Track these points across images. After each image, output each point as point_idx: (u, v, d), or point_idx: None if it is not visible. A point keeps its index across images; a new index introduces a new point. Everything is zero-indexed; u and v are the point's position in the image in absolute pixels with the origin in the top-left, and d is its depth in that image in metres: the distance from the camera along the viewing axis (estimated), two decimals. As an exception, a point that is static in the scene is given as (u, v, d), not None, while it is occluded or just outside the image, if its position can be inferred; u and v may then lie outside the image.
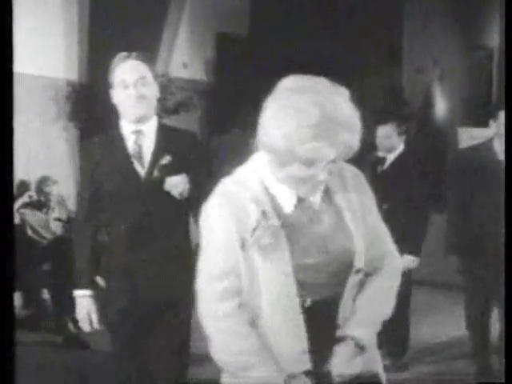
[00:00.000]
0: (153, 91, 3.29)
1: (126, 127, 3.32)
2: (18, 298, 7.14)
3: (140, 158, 3.28)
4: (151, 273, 3.26)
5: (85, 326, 3.36)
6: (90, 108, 8.43)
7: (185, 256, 3.26)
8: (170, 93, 9.22)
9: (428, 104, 10.54)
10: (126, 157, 3.28)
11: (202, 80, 10.58)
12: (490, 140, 4.96)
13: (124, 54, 3.31)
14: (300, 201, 2.20)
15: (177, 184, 3.24)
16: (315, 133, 2.05)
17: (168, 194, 3.24)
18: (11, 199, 1.87)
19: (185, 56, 10.18)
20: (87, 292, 3.33)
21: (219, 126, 10.73)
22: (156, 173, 3.24)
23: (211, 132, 10.84)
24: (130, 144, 3.29)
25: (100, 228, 3.38)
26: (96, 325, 3.34)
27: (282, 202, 2.20)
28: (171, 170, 3.24)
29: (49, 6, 8.44)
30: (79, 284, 3.34)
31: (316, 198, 2.21)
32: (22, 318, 6.79)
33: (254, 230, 2.12)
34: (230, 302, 2.13)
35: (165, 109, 9.31)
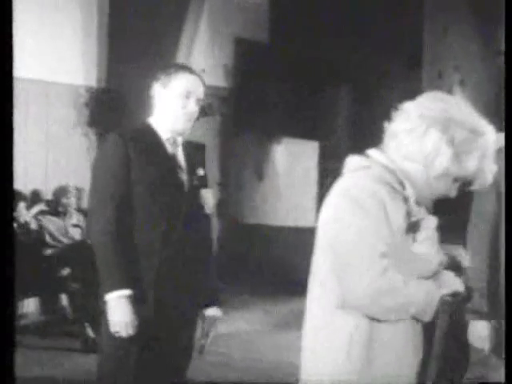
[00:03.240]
0: (198, 111, 3.27)
1: (163, 133, 3.23)
2: (35, 304, 7.18)
3: (179, 165, 3.22)
4: (181, 287, 3.15)
5: (123, 332, 3.05)
6: (109, 113, 8.46)
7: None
8: (189, 99, 9.23)
9: (448, 109, 10.47)
10: (169, 161, 3.21)
11: (220, 86, 10.59)
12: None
13: (187, 65, 3.34)
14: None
15: (209, 198, 3.23)
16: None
17: (202, 206, 3.22)
18: (11, 203, 1.87)
19: (203, 62, 10.19)
20: (125, 292, 3.04)
21: (238, 131, 10.74)
22: (196, 182, 3.22)
23: (231, 137, 10.85)
24: (169, 149, 3.22)
25: (132, 231, 3.15)
26: (134, 328, 3.06)
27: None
28: (204, 182, 3.24)
29: (67, 15, 8.48)
30: (113, 283, 3.05)
31: None
32: (40, 324, 6.81)
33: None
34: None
35: (184, 115, 9.33)
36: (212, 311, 3.31)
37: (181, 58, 9.31)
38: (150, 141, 3.20)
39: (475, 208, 3.99)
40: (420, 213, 2.23)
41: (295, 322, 8.06)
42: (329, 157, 10.26)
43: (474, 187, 2.25)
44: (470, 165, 2.16)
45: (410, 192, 2.21)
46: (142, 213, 3.13)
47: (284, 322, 7.95)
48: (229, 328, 7.85)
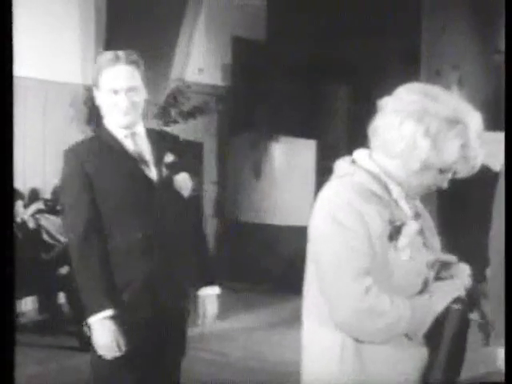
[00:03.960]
0: (142, 96, 3.14)
1: (117, 131, 3.13)
2: (33, 302, 7.18)
3: (143, 160, 3.12)
4: (171, 284, 3.08)
5: (110, 353, 2.97)
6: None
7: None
8: (186, 98, 9.25)
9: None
10: (131, 161, 3.10)
11: (218, 84, 10.59)
12: None
13: (111, 55, 3.11)
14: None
15: (185, 182, 3.14)
16: None
17: (178, 194, 3.13)
18: (11, 202, 1.87)
19: (201, 61, 10.19)
20: (108, 312, 2.95)
21: (236, 130, 10.74)
22: (165, 172, 3.11)
23: (228, 136, 10.85)
24: (130, 147, 3.12)
25: (107, 240, 3.03)
26: (123, 348, 2.96)
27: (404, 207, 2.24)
28: (176, 168, 3.13)
29: (65, 14, 8.48)
30: (96, 306, 2.95)
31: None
32: (38, 322, 6.81)
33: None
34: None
35: (181, 114, 9.34)
36: (207, 290, 3.26)
37: (179, 58, 9.31)
38: (107, 146, 3.11)
39: (496, 209, 3.83)
40: (406, 216, 2.18)
41: (294, 320, 8.07)
42: (326, 155, 10.25)
43: (462, 175, 2.21)
44: (451, 154, 2.12)
45: (397, 195, 2.18)
46: (115, 226, 3.03)
47: (283, 321, 7.95)
48: (228, 326, 7.85)
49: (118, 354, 2.95)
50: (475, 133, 2.14)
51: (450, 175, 2.19)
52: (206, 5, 9.96)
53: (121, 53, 3.09)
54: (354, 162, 2.25)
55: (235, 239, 10.83)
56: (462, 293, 2.18)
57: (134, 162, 3.10)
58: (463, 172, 2.19)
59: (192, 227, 3.23)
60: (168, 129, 9.34)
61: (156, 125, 9.01)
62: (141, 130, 3.15)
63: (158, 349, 3.07)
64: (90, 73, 8.74)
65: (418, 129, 2.11)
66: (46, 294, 6.99)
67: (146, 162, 3.11)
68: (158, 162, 3.12)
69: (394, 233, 2.14)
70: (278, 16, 10.92)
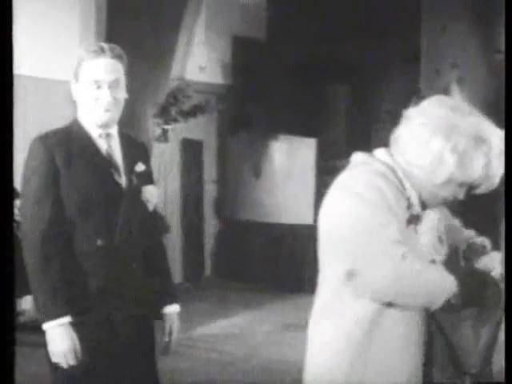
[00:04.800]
0: (123, 93, 2.94)
1: (92, 129, 2.92)
2: (29, 301, 7.16)
3: (114, 164, 2.91)
4: (129, 302, 2.87)
5: (67, 361, 2.78)
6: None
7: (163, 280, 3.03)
8: (187, 96, 9.24)
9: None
10: (103, 163, 2.89)
11: (218, 83, 10.58)
12: None
13: (95, 47, 2.94)
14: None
15: (153, 194, 2.97)
16: None
17: (144, 205, 2.95)
18: (11, 202, 1.86)
19: (201, 59, 10.18)
20: (65, 319, 2.75)
21: (236, 128, 10.74)
22: (135, 181, 2.92)
23: (228, 134, 10.85)
24: (102, 147, 2.92)
25: (70, 242, 2.82)
26: (79, 356, 2.78)
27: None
28: (145, 179, 2.96)
29: (65, 13, 8.47)
30: (53, 312, 2.74)
31: None
32: (36, 321, 6.79)
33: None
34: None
35: (181, 112, 9.33)
36: (170, 308, 3.08)
37: (179, 56, 9.30)
38: (79, 141, 2.90)
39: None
40: (419, 209, 2.23)
41: (294, 318, 8.08)
42: (326, 154, 10.25)
43: (480, 191, 2.25)
44: (475, 171, 2.17)
45: (410, 192, 2.21)
46: (77, 228, 2.82)
47: (283, 319, 7.96)
48: (227, 325, 7.86)
49: (71, 362, 2.77)
50: (498, 152, 2.19)
51: (468, 189, 2.24)
52: (207, 3, 9.96)
53: (105, 45, 2.95)
54: (373, 155, 2.27)
55: (235, 238, 10.83)
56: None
57: (104, 165, 2.90)
58: (482, 188, 2.24)
59: (154, 243, 3.06)
60: (168, 127, 9.34)
61: (156, 124, 9.00)
62: (115, 132, 2.97)
63: (121, 358, 2.88)
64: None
65: (446, 145, 2.15)
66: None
67: (116, 167, 2.92)
68: (129, 169, 2.93)
69: (413, 218, 2.19)
70: (279, 15, 10.91)
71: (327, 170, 10.07)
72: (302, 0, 10.41)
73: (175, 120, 9.34)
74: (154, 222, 3.07)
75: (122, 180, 2.91)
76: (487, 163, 2.17)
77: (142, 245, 2.96)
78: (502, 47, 9.90)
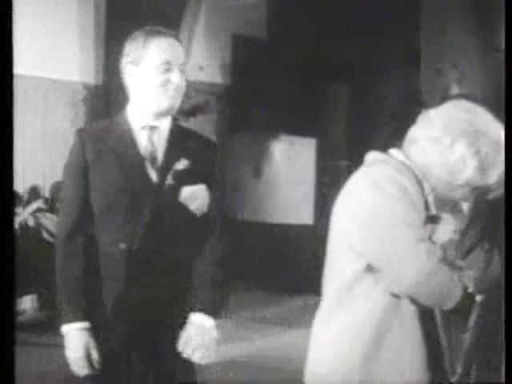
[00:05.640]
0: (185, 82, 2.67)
1: (138, 120, 2.65)
2: (32, 301, 7.17)
3: (153, 159, 2.61)
4: (152, 313, 2.64)
5: (82, 370, 2.60)
6: (106, 110, 8.47)
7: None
8: (187, 96, 9.24)
9: (446, 106, 10.45)
10: (135, 156, 2.61)
11: (218, 83, 10.59)
12: None
13: (154, 28, 2.65)
14: None
15: (195, 196, 2.64)
16: None
17: (183, 207, 2.65)
18: (11, 202, 1.87)
19: (201, 59, 10.19)
20: (83, 324, 2.59)
21: (235, 128, 10.74)
22: (170, 179, 2.61)
23: (228, 134, 10.84)
24: (142, 141, 2.63)
25: (92, 246, 2.63)
26: (96, 365, 2.60)
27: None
28: (188, 178, 2.64)
29: (65, 13, 8.48)
30: (72, 314, 2.58)
31: None
32: (37, 320, 6.81)
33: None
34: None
35: (181, 112, 9.34)
36: (197, 317, 2.69)
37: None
38: (116, 134, 2.65)
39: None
40: (435, 210, 2.23)
41: (293, 318, 8.08)
42: (326, 154, 10.26)
43: (489, 197, 2.26)
44: (494, 176, 2.18)
45: (427, 192, 2.22)
46: (101, 228, 2.62)
47: (282, 319, 7.97)
48: (227, 326, 7.86)
49: (89, 372, 2.59)
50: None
51: (479, 194, 2.25)
52: (206, 3, 9.97)
53: (162, 28, 2.67)
54: (389, 155, 2.26)
55: (234, 238, 10.82)
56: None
57: (137, 159, 2.61)
58: (491, 195, 2.25)
59: (192, 249, 2.71)
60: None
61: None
62: (165, 124, 2.68)
63: (141, 368, 2.67)
64: (88, 71, 8.76)
65: (469, 149, 2.16)
66: (46, 292, 6.99)
67: (153, 163, 2.63)
68: (167, 166, 2.63)
69: (430, 219, 2.19)
70: (278, 15, 10.91)
71: (327, 170, 10.07)
72: (302, 0, 10.41)
73: (175, 119, 9.34)
74: (200, 225, 2.70)
75: (155, 176, 2.63)
76: (502, 173, 2.18)
77: (174, 250, 2.64)
78: (502, 46, 9.90)
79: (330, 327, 2.24)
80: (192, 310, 2.69)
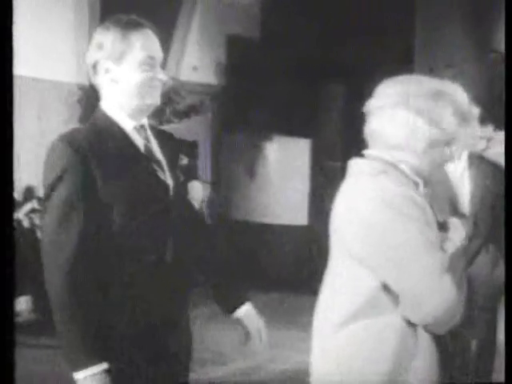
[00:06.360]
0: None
1: (126, 123, 2.39)
2: (28, 302, 7.16)
3: (156, 160, 2.40)
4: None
5: None
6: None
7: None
8: (181, 97, 9.25)
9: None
10: (142, 159, 2.37)
11: (212, 83, 10.59)
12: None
13: (130, 18, 2.43)
14: None
15: (199, 191, 2.53)
16: None
17: (191, 205, 2.55)
18: (11, 202, 1.86)
19: (195, 59, 10.18)
20: (102, 366, 2.20)
21: (230, 129, 10.73)
22: (181, 177, 2.47)
23: (222, 135, 10.84)
24: (139, 142, 2.39)
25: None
26: None
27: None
28: (189, 174, 2.44)
29: (60, 15, 8.47)
30: (86, 360, 2.18)
31: None
32: (31, 322, 6.80)
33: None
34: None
35: (175, 113, 9.34)
36: (241, 311, 2.71)
37: (173, 56, 9.30)
38: (112, 137, 2.34)
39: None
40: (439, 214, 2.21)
41: (290, 319, 8.07)
42: (321, 155, 10.26)
43: (469, 145, 2.25)
44: (448, 122, 2.16)
45: (421, 189, 2.20)
46: (125, 242, 2.27)
47: (279, 320, 7.95)
48: (222, 327, 7.85)
49: None
50: (463, 99, 2.19)
51: (456, 146, 2.22)
52: (201, 3, 9.96)
53: (137, 18, 2.43)
54: (375, 159, 2.22)
55: (229, 238, 10.82)
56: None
57: (146, 162, 2.37)
58: (468, 140, 2.24)
59: (204, 251, 2.60)
60: (162, 128, 9.35)
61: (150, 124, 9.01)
62: (146, 123, 2.46)
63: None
64: (83, 72, 8.75)
65: (409, 113, 2.15)
66: (40, 293, 6.98)
67: (159, 163, 2.41)
68: (172, 164, 2.45)
69: (441, 226, 2.16)
70: (273, 15, 10.91)
71: (322, 171, 10.07)
72: (297, 0, 10.41)
73: (169, 121, 9.35)
74: (203, 223, 2.54)
75: (167, 177, 2.41)
76: (456, 111, 2.16)
77: (195, 256, 2.51)
78: (497, 47, 9.93)
79: (352, 334, 2.18)
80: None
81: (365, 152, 2.26)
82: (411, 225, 2.04)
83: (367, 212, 2.08)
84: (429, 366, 2.15)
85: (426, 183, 2.23)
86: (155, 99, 2.39)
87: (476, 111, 2.22)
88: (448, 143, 2.20)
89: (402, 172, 2.18)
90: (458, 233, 2.18)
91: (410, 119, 2.15)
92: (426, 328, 2.09)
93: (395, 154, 2.19)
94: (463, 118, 2.18)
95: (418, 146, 2.16)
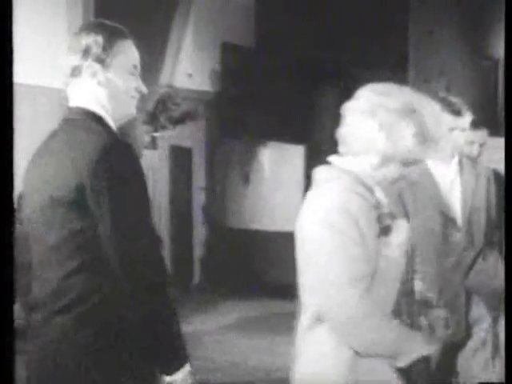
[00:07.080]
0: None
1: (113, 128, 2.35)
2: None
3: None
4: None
5: None
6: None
7: None
8: (176, 103, 9.26)
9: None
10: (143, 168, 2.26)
11: (206, 90, 10.60)
12: None
13: (109, 24, 2.40)
14: None
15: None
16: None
17: None
18: (11, 202, 1.87)
19: (190, 66, 10.20)
20: (187, 368, 2.20)
21: (225, 135, 10.75)
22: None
23: (217, 141, 10.86)
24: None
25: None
26: None
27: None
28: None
29: (54, 22, 8.49)
30: (175, 360, 2.17)
31: None
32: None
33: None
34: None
35: (170, 119, 9.35)
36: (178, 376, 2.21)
37: (168, 63, 9.32)
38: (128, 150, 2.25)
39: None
40: (392, 215, 2.20)
41: (282, 325, 8.07)
42: (315, 161, 10.29)
43: (431, 157, 2.22)
44: (405, 143, 2.16)
45: (379, 195, 2.21)
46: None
47: (271, 326, 7.96)
48: (213, 331, 7.86)
49: None
50: (433, 119, 2.19)
51: (412, 165, 2.24)
52: (195, 10, 9.99)
53: (118, 25, 2.40)
54: (333, 166, 2.25)
55: (223, 244, 10.83)
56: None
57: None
58: (428, 157, 2.24)
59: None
60: (157, 134, 9.35)
61: (145, 131, 9.01)
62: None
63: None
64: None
65: (373, 124, 2.17)
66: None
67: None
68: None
69: (384, 231, 2.16)
70: (267, 22, 10.95)
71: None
72: (290, 7, 10.45)
73: (164, 127, 9.36)
74: None
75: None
76: (418, 132, 2.16)
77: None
78: (491, 54, 9.97)
79: (314, 338, 2.21)
80: None
81: (329, 159, 2.29)
82: (340, 238, 2.08)
83: (307, 222, 2.16)
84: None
85: (386, 188, 2.24)
86: (132, 110, 2.35)
87: (440, 134, 2.20)
88: (405, 163, 2.20)
89: (356, 177, 2.19)
90: (400, 236, 2.16)
91: (373, 131, 2.16)
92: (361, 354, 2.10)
93: (353, 161, 2.21)
94: (425, 140, 2.17)
95: (373, 159, 2.18)
